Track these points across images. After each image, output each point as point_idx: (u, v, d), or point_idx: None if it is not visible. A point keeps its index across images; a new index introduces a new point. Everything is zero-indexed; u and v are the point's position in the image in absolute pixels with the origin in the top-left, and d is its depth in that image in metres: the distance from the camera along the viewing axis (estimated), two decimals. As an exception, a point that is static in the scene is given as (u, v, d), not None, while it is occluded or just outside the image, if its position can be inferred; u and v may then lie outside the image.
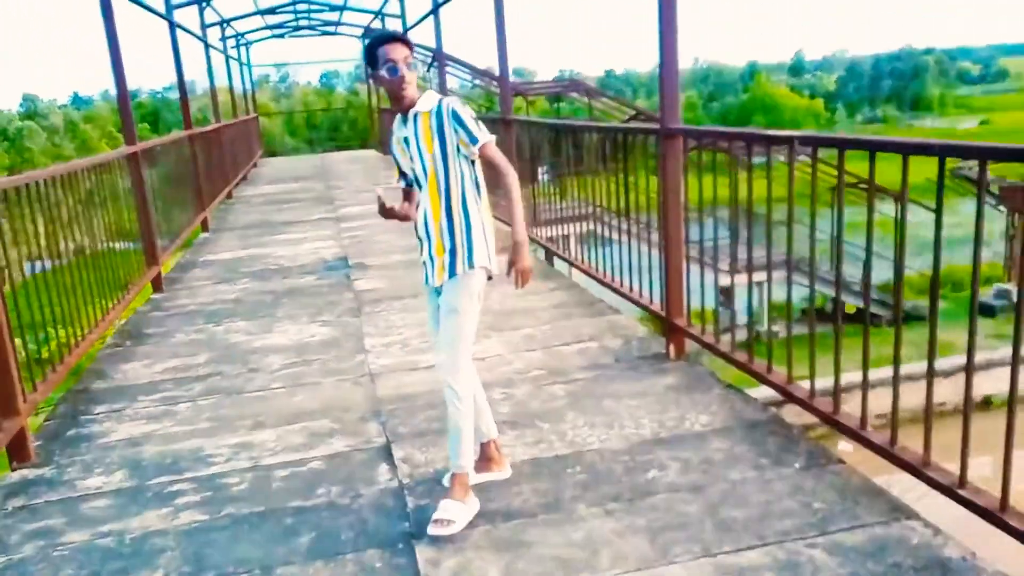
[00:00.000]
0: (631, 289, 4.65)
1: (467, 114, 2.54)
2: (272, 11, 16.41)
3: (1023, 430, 2.22)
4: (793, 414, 3.55)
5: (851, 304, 13.68)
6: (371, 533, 2.62)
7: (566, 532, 2.54)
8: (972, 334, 2.29)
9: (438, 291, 2.68)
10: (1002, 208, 16.34)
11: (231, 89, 16.83)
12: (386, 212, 2.74)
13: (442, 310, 2.62)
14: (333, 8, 16.85)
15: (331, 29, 19.43)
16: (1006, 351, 10.51)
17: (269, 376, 4.22)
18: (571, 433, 3.25)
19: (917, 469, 2.43)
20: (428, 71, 15.86)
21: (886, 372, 2.72)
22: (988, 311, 14.43)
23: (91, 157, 5.64)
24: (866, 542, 2.36)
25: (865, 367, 2.69)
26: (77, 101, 77.77)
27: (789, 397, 3.09)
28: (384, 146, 18.74)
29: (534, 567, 2.37)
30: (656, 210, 4.46)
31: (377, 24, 16.89)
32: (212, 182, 10.31)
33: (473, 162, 2.61)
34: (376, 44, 2.57)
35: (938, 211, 2.26)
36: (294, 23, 18.53)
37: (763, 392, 4.00)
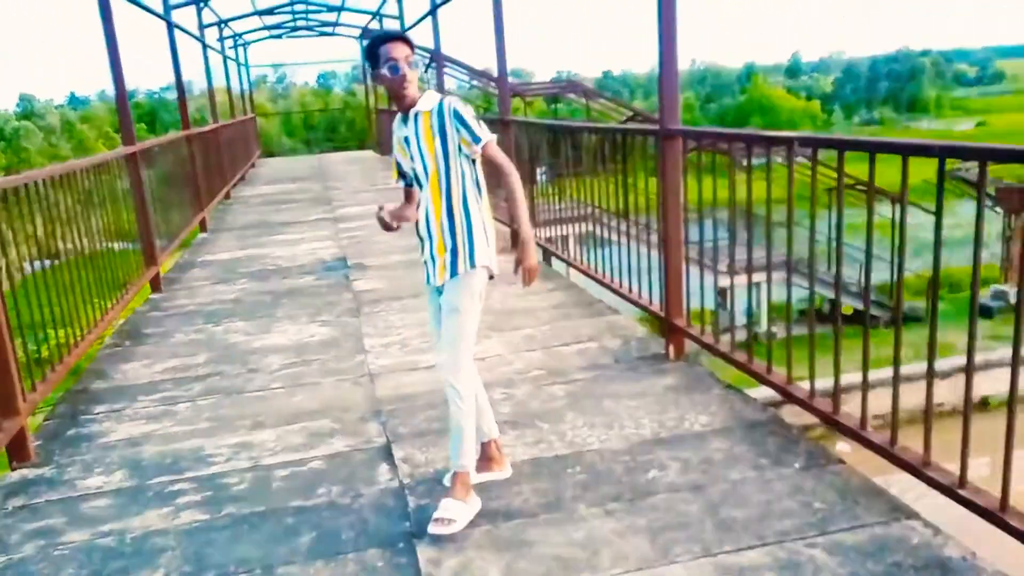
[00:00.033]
0: (630, 290, 4.66)
1: (469, 113, 2.55)
2: (270, 11, 16.41)
3: (1021, 430, 2.23)
4: (790, 415, 3.57)
5: (848, 305, 13.72)
6: (372, 533, 2.63)
7: (567, 532, 2.54)
8: (972, 335, 2.29)
9: (439, 290, 2.68)
10: (998, 209, 16.37)
11: (229, 89, 16.81)
12: (388, 228, 2.79)
13: (443, 309, 2.62)
14: (331, 9, 16.84)
15: (329, 30, 19.43)
16: (1003, 352, 10.54)
17: (268, 376, 4.22)
18: (571, 433, 3.25)
19: (917, 469, 2.44)
20: (426, 72, 15.86)
21: (884, 373, 2.73)
22: (985, 312, 14.45)
23: (90, 157, 5.63)
24: (866, 542, 2.37)
25: (865, 367, 2.70)
26: (74, 101, 77.67)
27: (789, 397, 3.10)
28: (382, 147, 18.75)
29: (535, 567, 2.37)
30: (655, 211, 4.48)
31: (375, 25, 16.89)
32: (210, 182, 10.30)
33: (474, 161, 2.62)
34: (378, 43, 2.57)
35: (938, 213, 2.27)
36: (292, 24, 18.52)
37: (762, 392, 4.01)
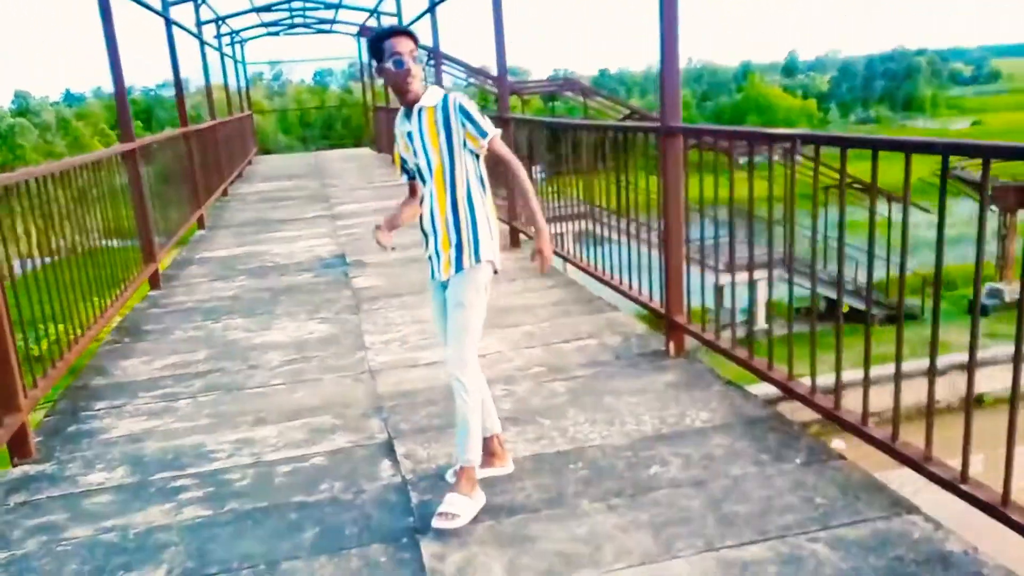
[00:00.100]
0: (630, 287, 4.67)
1: (474, 108, 2.55)
2: (267, 8, 16.37)
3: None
4: (788, 412, 3.58)
5: (844, 303, 13.73)
6: (375, 528, 2.63)
7: (569, 527, 2.55)
8: (975, 333, 2.31)
9: (444, 285, 2.69)
10: (994, 208, 16.44)
11: (226, 87, 16.78)
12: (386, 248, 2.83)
13: (449, 304, 2.63)
14: (328, 6, 16.82)
15: (326, 27, 19.39)
16: (997, 350, 10.58)
17: (269, 373, 4.23)
18: (572, 429, 3.26)
19: (919, 464, 2.45)
20: (424, 69, 15.84)
21: (882, 370, 2.75)
22: (981, 310, 14.51)
23: (89, 154, 5.62)
24: (868, 536, 2.38)
25: (867, 362, 2.72)
26: (69, 98, 77.45)
27: (790, 393, 3.11)
28: (379, 144, 18.73)
29: (538, 562, 2.38)
30: (654, 209, 4.49)
31: (372, 22, 16.86)
32: (208, 179, 10.29)
33: (478, 157, 2.62)
34: (382, 37, 2.57)
35: (941, 210, 2.29)
36: (289, 21, 18.49)
37: (760, 389, 4.03)
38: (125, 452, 3.36)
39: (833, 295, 13.66)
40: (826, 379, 3.07)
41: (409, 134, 2.64)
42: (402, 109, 2.68)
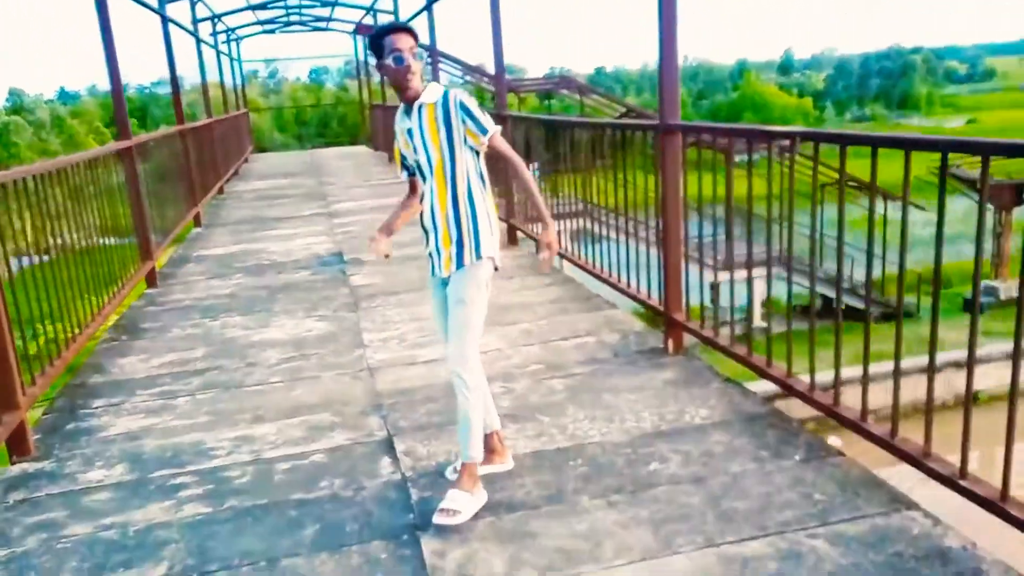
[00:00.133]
0: (628, 285, 4.67)
1: (474, 105, 2.55)
2: (263, 6, 16.34)
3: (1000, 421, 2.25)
4: (784, 409, 3.58)
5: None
6: (375, 525, 2.63)
7: (570, 523, 2.56)
8: (974, 331, 2.32)
9: (444, 283, 2.69)
10: (990, 205, 16.47)
11: (222, 84, 16.74)
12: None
13: (450, 301, 2.63)
14: (325, 4, 16.79)
15: (322, 25, 19.36)
16: (991, 347, 10.62)
17: (267, 370, 4.22)
18: (572, 426, 3.27)
19: (918, 460, 2.46)
20: (424, 66, 15.83)
21: (878, 367, 2.75)
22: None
23: (86, 151, 5.60)
24: (867, 532, 2.39)
25: (866, 359, 2.73)
26: (64, 96, 77.15)
27: (789, 390, 3.12)
28: (375, 142, 18.70)
29: (539, 558, 2.39)
30: (652, 207, 4.50)
31: (369, 20, 16.84)
32: (204, 177, 10.27)
33: (478, 153, 2.62)
34: (382, 33, 2.57)
35: (940, 207, 2.29)
36: (285, 19, 18.45)
37: (758, 387, 4.04)
38: (124, 450, 3.36)
39: (829, 293, 13.72)
40: (823, 376, 3.08)
41: (409, 131, 2.64)
42: (402, 106, 2.68)
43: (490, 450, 2.86)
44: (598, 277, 5.08)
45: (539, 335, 4.45)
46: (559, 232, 6.06)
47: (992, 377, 7.39)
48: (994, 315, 13.54)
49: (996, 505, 2.18)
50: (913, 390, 2.93)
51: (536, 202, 2.67)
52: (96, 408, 3.86)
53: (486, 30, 6.47)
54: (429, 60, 11.78)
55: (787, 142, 2.94)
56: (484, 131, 2.54)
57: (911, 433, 2.66)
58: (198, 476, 3.07)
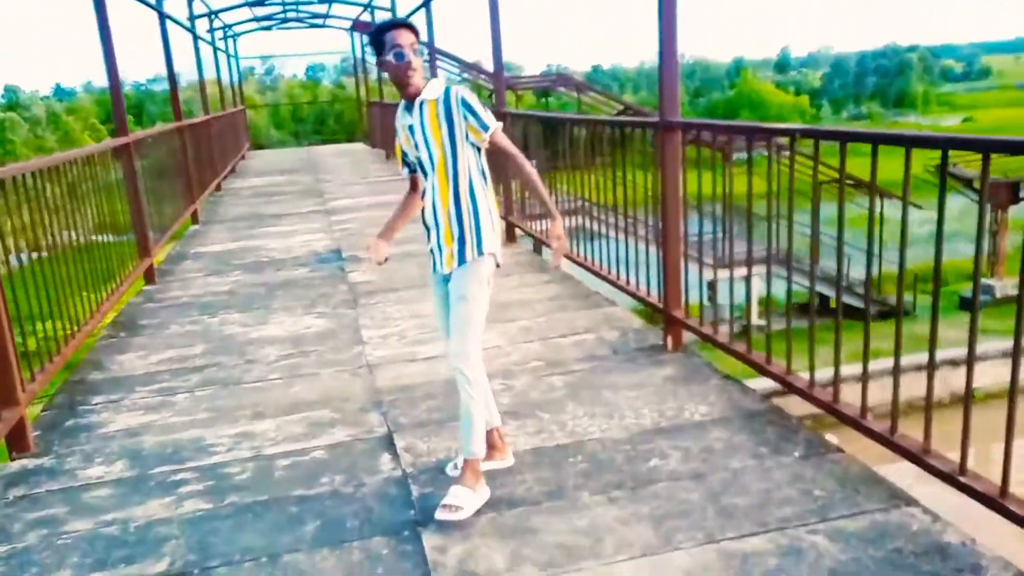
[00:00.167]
0: (627, 282, 4.68)
1: (476, 101, 2.55)
2: (260, 3, 16.30)
3: (1001, 420, 2.27)
4: (784, 408, 3.59)
5: (834, 300, 13.80)
6: (376, 521, 2.64)
7: (570, 519, 2.56)
8: (974, 328, 2.34)
9: (446, 279, 2.69)
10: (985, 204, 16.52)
11: (219, 81, 16.70)
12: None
13: (452, 297, 2.63)
14: (322, 0, 16.75)
15: (319, 22, 19.32)
16: (987, 345, 10.66)
17: (266, 367, 4.22)
18: (571, 423, 3.27)
19: (918, 457, 2.47)
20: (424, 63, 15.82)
21: (875, 364, 2.76)
22: (970, 305, 14.60)
23: (84, 148, 5.59)
24: (867, 528, 2.40)
25: (865, 356, 2.74)
26: (59, 92, 76.96)
27: (789, 387, 3.13)
28: (372, 139, 18.68)
29: (540, 554, 2.39)
30: (649, 204, 4.50)
31: (366, 17, 16.81)
32: (201, 174, 10.25)
33: (479, 150, 2.62)
34: (383, 30, 2.57)
35: (940, 205, 2.30)
36: (282, 15, 18.41)
37: (757, 385, 4.05)
38: (123, 446, 3.36)
39: (826, 291, 13.73)
40: (821, 374, 3.10)
41: (411, 127, 2.63)
42: (402, 102, 2.67)
43: (490, 446, 2.87)
44: (597, 274, 5.08)
45: (538, 332, 4.46)
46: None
47: (988, 375, 7.41)
48: (990, 313, 13.57)
49: (996, 501, 2.19)
50: (909, 388, 2.94)
51: (541, 197, 2.66)
52: (95, 405, 3.85)
53: (482, 27, 6.47)
54: (427, 58, 11.78)
55: (788, 139, 2.95)
56: (486, 127, 2.54)
57: (909, 431, 2.67)
58: (198, 472, 3.07)
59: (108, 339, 4.94)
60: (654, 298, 4.31)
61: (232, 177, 14.27)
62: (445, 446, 3.12)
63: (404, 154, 2.76)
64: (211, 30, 15.96)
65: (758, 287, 12.31)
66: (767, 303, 3.44)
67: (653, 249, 4.28)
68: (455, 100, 2.54)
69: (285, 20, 18.91)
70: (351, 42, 19.81)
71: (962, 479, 2.31)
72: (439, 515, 2.53)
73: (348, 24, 18.94)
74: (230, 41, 19.35)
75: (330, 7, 17.61)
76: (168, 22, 9.49)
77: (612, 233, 4.87)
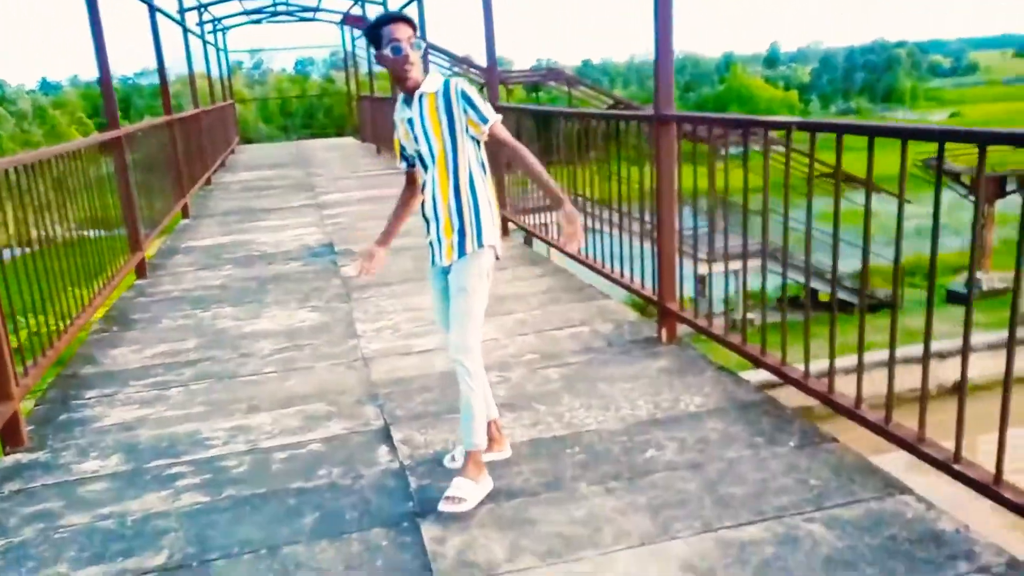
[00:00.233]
0: (622, 275, 4.69)
1: (475, 94, 2.55)
2: (250, -5, 16.20)
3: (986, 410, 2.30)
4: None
5: (825, 293, 13.90)
6: (375, 513, 2.64)
7: (568, 510, 2.58)
8: (968, 319, 2.36)
9: (445, 272, 2.69)
10: (972, 198, 16.65)
11: (208, 75, 16.60)
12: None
13: (451, 289, 2.63)
14: (312, -7, 16.67)
15: (309, 15, 19.21)
16: (973, 339, 10.74)
17: (261, 361, 4.21)
18: (568, 415, 3.28)
19: (912, 445, 2.50)
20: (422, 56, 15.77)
21: (867, 356, 2.79)
22: (958, 299, 14.73)
23: (75, 141, 5.56)
24: (862, 516, 2.42)
25: (860, 347, 2.76)
26: (45, 86, 76.30)
27: (784, 378, 3.15)
28: (363, 133, 18.62)
29: (538, 544, 2.41)
30: (639, 198, 4.51)
31: (357, 10, 16.73)
32: (192, 168, 10.20)
33: (479, 143, 2.62)
34: (380, 24, 2.56)
35: (937, 197, 2.32)
36: (272, 8, 18.30)
37: (751, 377, 4.07)
38: (119, 440, 3.35)
39: (815, 285, 13.78)
40: (814, 366, 3.12)
41: (410, 120, 2.63)
42: (401, 96, 2.67)
43: (488, 438, 2.86)
44: (591, 267, 5.10)
45: (533, 325, 4.47)
46: (548, 224, 6.10)
47: (975, 368, 7.44)
48: (977, 306, 13.65)
49: (990, 489, 2.22)
50: (900, 380, 2.97)
51: (547, 184, 2.60)
52: (89, 399, 3.84)
53: (472, 21, 6.47)
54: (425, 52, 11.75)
55: (778, 134, 2.96)
56: (485, 120, 2.54)
57: (905, 419, 2.70)
58: (194, 466, 3.07)
59: (100, 333, 4.92)
60: (648, 291, 4.33)
61: (222, 171, 14.20)
62: (442, 438, 3.13)
63: (403, 148, 2.75)
64: (200, 23, 15.85)
65: (743, 280, 12.34)
66: (762, 296, 3.45)
67: (647, 243, 4.30)
68: (455, 93, 2.54)
69: (275, 13, 18.80)
70: (341, 36, 19.72)
71: (956, 467, 2.34)
72: (442, 507, 2.54)
73: (339, 18, 18.85)
74: (219, 35, 19.23)
75: (320, 0, 17.53)
76: (158, 15, 9.42)
77: (606, 228, 4.88)
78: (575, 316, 4.58)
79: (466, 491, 2.57)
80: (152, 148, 7.91)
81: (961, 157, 14.26)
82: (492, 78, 6.88)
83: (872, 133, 2.53)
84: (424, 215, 2.70)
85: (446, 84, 2.56)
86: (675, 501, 2.58)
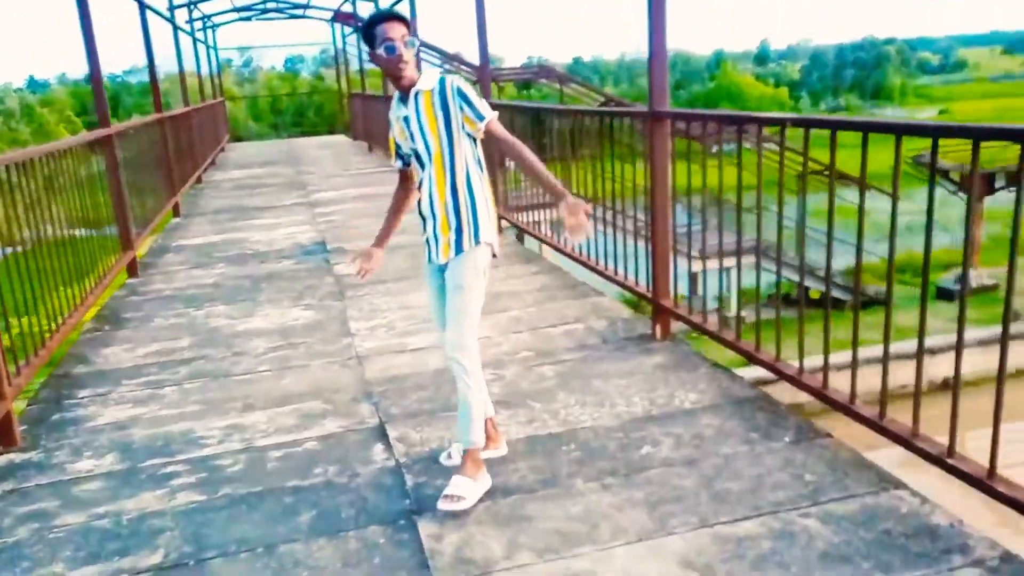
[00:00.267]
0: (616, 272, 4.70)
1: (471, 91, 2.55)
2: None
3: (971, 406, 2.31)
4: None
5: (815, 290, 13.97)
6: (371, 511, 2.64)
7: (565, 506, 2.58)
8: (962, 315, 2.38)
9: (441, 269, 2.69)
10: (962, 195, 16.76)
11: (198, 73, 16.51)
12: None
13: (448, 287, 2.63)
14: (303, -10, 16.60)
15: (300, 12, 19.14)
16: (966, 335, 10.82)
17: (255, 359, 4.20)
18: (563, 412, 3.29)
19: (907, 440, 2.52)
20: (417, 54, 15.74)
21: (860, 353, 2.81)
22: (947, 296, 14.82)
23: (66, 139, 5.52)
24: (857, 511, 2.44)
25: (855, 343, 2.77)
26: (33, 84, 75.74)
27: (779, 374, 3.16)
28: (354, 131, 18.57)
29: (536, 541, 2.41)
30: (636, 196, 4.53)
31: (348, 8, 16.67)
32: (182, 166, 10.15)
33: (475, 140, 2.62)
34: (373, 23, 2.55)
35: (930, 193, 2.34)
36: (262, 6, 18.22)
37: (746, 374, 4.09)
38: (113, 439, 3.33)
39: (809, 282, 13.84)
40: (808, 362, 3.13)
41: (406, 119, 2.62)
42: (396, 94, 2.66)
43: (484, 436, 2.87)
44: (585, 264, 5.10)
45: (528, 322, 4.47)
46: (541, 222, 6.10)
47: (965, 364, 7.52)
48: (969, 302, 13.78)
49: (983, 483, 2.24)
50: (891, 376, 2.99)
51: (546, 179, 2.56)
52: (82, 398, 3.82)
53: (463, 18, 6.47)
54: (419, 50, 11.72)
55: (769, 130, 2.97)
56: (481, 117, 2.54)
57: (898, 415, 2.71)
58: (190, 465, 3.06)
59: (92, 332, 4.89)
60: (643, 288, 4.34)
61: (212, 169, 14.14)
62: (438, 436, 3.13)
63: (398, 147, 2.74)
64: (190, 20, 15.77)
65: (737, 277, 12.37)
66: (757, 293, 3.46)
67: (639, 240, 4.31)
68: (450, 90, 2.53)
69: (265, 11, 18.72)
70: (332, 33, 19.65)
71: (950, 461, 2.36)
72: (442, 505, 2.54)
73: (329, 15, 18.78)
74: (209, 32, 19.13)
75: (310, -2, 17.47)
76: (148, 12, 9.36)
77: (600, 227, 4.88)
78: (569, 313, 4.59)
79: (465, 489, 2.57)
80: (143, 146, 7.87)
81: (950, 154, 14.35)
82: (485, 76, 6.87)
83: (866, 129, 2.54)
84: (421, 213, 2.69)
85: (442, 81, 2.56)
86: (671, 497, 2.59)
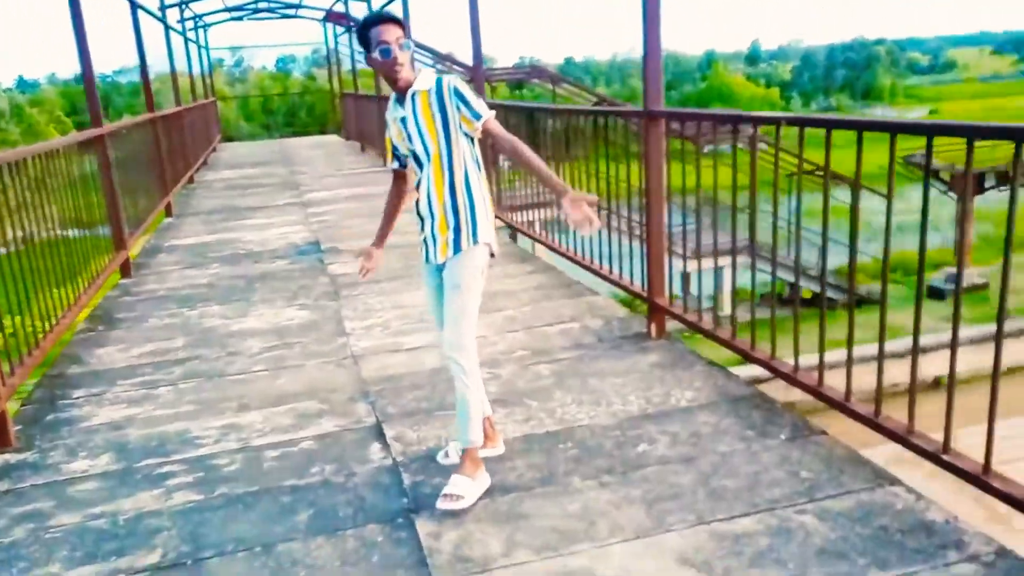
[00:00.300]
0: (610, 271, 4.71)
1: (468, 90, 2.55)
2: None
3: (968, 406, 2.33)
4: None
5: (807, 289, 14.02)
6: (369, 509, 2.64)
7: (563, 504, 2.59)
8: (957, 313, 2.40)
9: (439, 269, 2.69)
10: (952, 195, 16.85)
11: (190, 72, 16.46)
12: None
13: (446, 286, 2.63)
14: (295, -10, 16.56)
15: (291, 12, 19.10)
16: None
17: (249, 359, 4.19)
18: (560, 410, 3.30)
19: (902, 437, 2.53)
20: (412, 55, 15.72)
21: (858, 351, 2.83)
22: (938, 295, 14.89)
23: (59, 139, 5.50)
24: (853, 508, 2.45)
25: (850, 340, 2.79)
26: (22, 84, 75.33)
27: (774, 372, 3.18)
28: (346, 131, 18.54)
29: (534, 538, 2.42)
30: (630, 195, 4.54)
31: (340, 7, 16.65)
32: (175, 166, 10.11)
33: (473, 140, 2.62)
34: (368, 25, 2.55)
35: (925, 191, 2.35)
36: (253, 5, 18.17)
37: (741, 372, 4.11)
38: (108, 439, 3.32)
39: (801, 281, 13.92)
40: (803, 360, 3.15)
41: (403, 119, 2.62)
42: (393, 95, 2.66)
43: (483, 435, 2.87)
44: (580, 264, 5.11)
45: (523, 321, 4.48)
46: (534, 222, 6.11)
47: (958, 362, 7.56)
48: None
49: (979, 479, 2.25)
50: (885, 375, 3.01)
51: (546, 176, 2.55)
52: (77, 399, 3.80)
53: (455, 18, 6.46)
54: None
55: (763, 130, 2.98)
56: (478, 116, 2.54)
57: (893, 412, 2.73)
58: (186, 464, 3.05)
59: (86, 333, 4.87)
60: (638, 287, 4.35)
61: (204, 169, 14.09)
62: (435, 434, 3.13)
63: (395, 148, 2.74)
64: (182, 20, 15.71)
65: (730, 277, 12.43)
66: (752, 292, 3.48)
67: (634, 239, 4.32)
68: (447, 90, 2.54)
69: (257, 11, 18.67)
70: (324, 33, 19.61)
71: (945, 457, 2.37)
72: (441, 504, 2.54)
73: (321, 15, 18.74)
74: (200, 31, 19.07)
75: (302, -3, 17.43)
76: (140, 12, 9.32)
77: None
78: (565, 312, 4.60)
79: (464, 488, 2.57)
80: (135, 146, 7.84)
81: (940, 154, 14.42)
82: (478, 75, 6.88)
83: (861, 128, 2.55)
84: (419, 213, 2.69)
85: (439, 81, 2.56)
86: (669, 494, 2.60)
